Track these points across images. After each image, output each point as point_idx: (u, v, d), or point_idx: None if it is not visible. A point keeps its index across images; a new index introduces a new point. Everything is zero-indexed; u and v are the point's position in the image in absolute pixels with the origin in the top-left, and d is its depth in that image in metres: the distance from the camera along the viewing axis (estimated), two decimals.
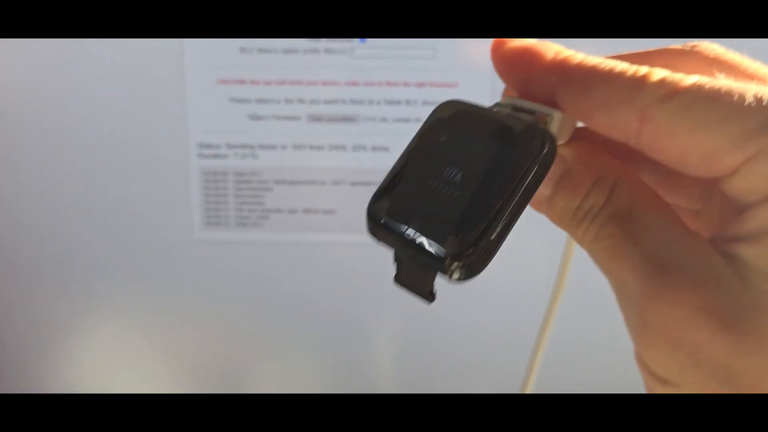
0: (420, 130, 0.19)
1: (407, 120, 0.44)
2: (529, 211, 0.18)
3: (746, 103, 0.16)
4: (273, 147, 0.45)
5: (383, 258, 0.21)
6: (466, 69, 0.43)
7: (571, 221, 0.19)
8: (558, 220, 0.20)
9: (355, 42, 0.43)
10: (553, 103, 0.19)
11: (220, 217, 0.46)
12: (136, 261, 0.48)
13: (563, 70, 0.19)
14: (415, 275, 0.18)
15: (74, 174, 0.46)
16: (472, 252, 0.16)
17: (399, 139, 0.44)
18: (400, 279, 0.18)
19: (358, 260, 0.47)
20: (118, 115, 0.45)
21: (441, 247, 0.17)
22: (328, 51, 0.43)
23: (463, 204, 0.17)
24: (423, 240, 0.17)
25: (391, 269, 0.18)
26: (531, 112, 0.19)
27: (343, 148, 0.45)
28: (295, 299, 0.49)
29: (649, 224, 0.18)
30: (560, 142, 0.19)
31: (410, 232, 0.17)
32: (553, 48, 0.19)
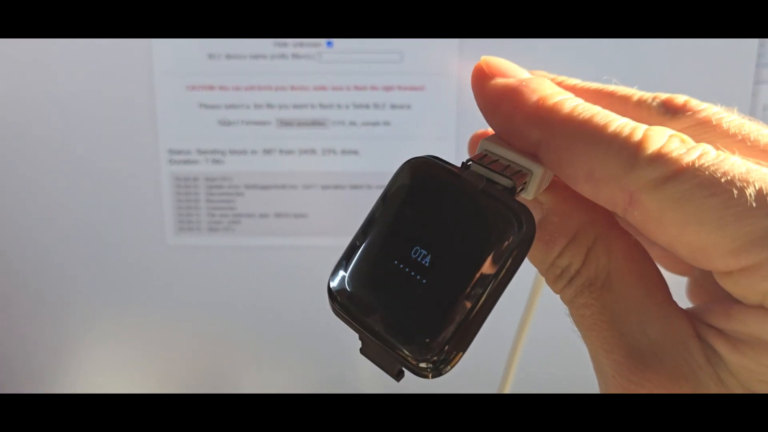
0: (383, 195, 0.17)
1: (376, 123, 0.45)
2: None
3: (748, 203, 0.14)
4: (243, 152, 0.45)
5: None
6: (432, 73, 0.44)
7: (546, 273, 0.18)
8: (534, 265, 0.18)
9: (323, 47, 0.43)
10: (535, 156, 0.17)
11: (191, 222, 0.47)
12: (107, 268, 0.47)
13: (546, 124, 0.16)
14: (382, 355, 0.16)
15: (44, 182, 0.46)
16: (441, 355, 0.15)
17: (368, 142, 0.45)
18: (366, 353, 0.17)
19: (330, 263, 0.47)
20: (87, 123, 0.44)
21: (409, 347, 0.15)
22: (295, 56, 0.44)
23: (432, 298, 0.15)
24: (389, 336, 0.16)
25: None
26: (509, 171, 0.17)
27: (312, 152, 0.45)
28: (268, 303, 0.49)
29: (626, 299, 0.16)
30: (542, 189, 0.18)
31: (376, 322, 0.16)
32: (539, 90, 0.17)
